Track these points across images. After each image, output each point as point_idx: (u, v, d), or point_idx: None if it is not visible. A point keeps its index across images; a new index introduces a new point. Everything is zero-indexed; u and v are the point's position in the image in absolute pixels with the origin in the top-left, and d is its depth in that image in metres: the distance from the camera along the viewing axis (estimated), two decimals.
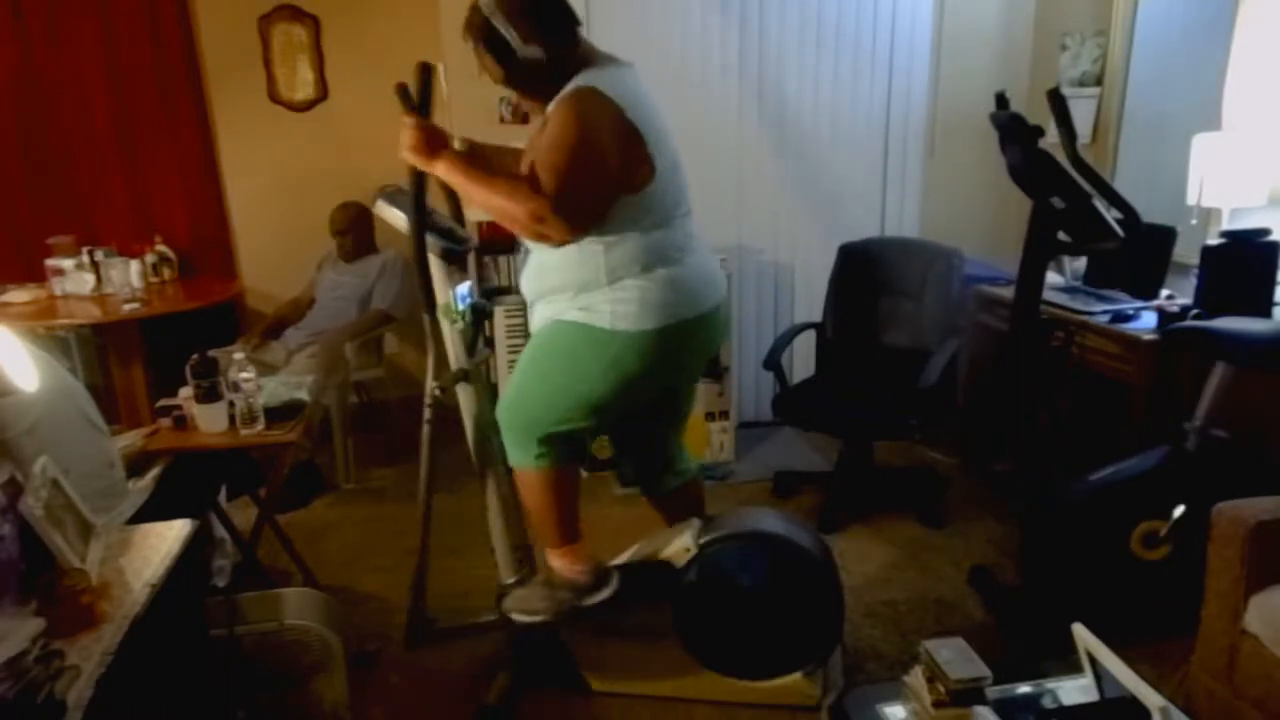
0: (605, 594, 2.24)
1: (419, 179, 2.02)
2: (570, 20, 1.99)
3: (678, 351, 2.08)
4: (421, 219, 2.07)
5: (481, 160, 2.03)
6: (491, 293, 3.66)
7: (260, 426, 2.53)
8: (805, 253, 4.14)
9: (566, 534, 2.24)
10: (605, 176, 1.88)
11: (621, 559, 2.42)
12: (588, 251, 1.96)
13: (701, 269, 2.08)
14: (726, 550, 2.27)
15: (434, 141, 1.95)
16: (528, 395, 2.13)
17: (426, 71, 1.96)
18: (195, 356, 2.50)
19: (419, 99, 1.95)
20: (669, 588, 2.28)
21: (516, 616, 2.28)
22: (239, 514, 2.86)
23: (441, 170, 1.95)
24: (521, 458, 2.17)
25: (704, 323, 2.08)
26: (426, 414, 2.24)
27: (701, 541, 2.26)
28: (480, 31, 1.95)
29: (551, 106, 1.94)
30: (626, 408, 2.17)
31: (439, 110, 2.58)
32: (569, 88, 1.90)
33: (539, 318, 2.15)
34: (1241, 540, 1.97)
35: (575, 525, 2.26)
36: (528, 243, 2.05)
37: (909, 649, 2.43)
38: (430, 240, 2.14)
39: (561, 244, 1.95)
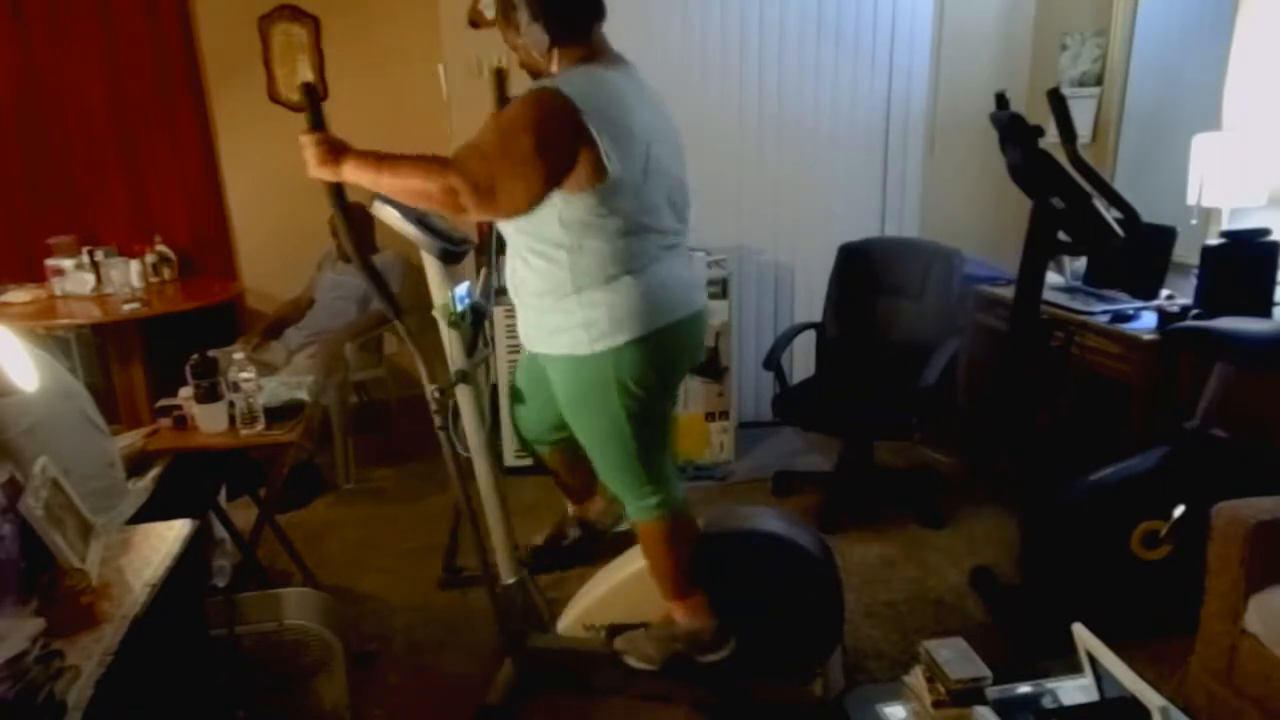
0: (722, 654, 2.20)
1: (336, 192, 2.01)
2: (587, 14, 1.96)
3: (664, 355, 2.04)
4: (352, 232, 2.08)
5: (394, 154, 2.01)
6: (491, 293, 3.65)
7: (260, 426, 2.53)
8: (805, 253, 4.14)
9: (687, 584, 2.19)
10: (532, 168, 1.84)
11: (622, 558, 2.41)
12: (554, 261, 1.94)
13: (669, 278, 2.02)
14: (726, 550, 2.26)
15: (334, 149, 1.93)
16: (604, 456, 2.12)
17: (311, 91, 1.97)
18: (195, 356, 2.50)
19: (311, 117, 1.95)
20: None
21: (629, 660, 2.25)
22: (239, 514, 2.86)
23: (350, 172, 1.93)
24: (644, 513, 2.14)
25: (677, 331, 2.03)
26: (436, 421, 2.23)
27: (701, 541, 2.26)
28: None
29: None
30: (664, 410, 2.16)
31: (439, 110, 2.57)
32: (537, 83, 1.90)
33: (525, 335, 2.15)
34: (1241, 540, 1.97)
35: (691, 575, 2.20)
36: (509, 248, 2.05)
37: (909, 649, 2.43)
38: (428, 241, 2.14)
39: (481, 220, 1.94)
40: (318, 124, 1.94)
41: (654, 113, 2.01)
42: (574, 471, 2.43)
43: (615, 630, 2.30)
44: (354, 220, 2.08)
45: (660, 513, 2.11)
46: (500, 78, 2.33)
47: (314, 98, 1.96)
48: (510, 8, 1.93)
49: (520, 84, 2.02)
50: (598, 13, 1.97)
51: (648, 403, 2.04)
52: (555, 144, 1.83)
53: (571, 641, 2.36)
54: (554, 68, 1.95)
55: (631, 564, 2.31)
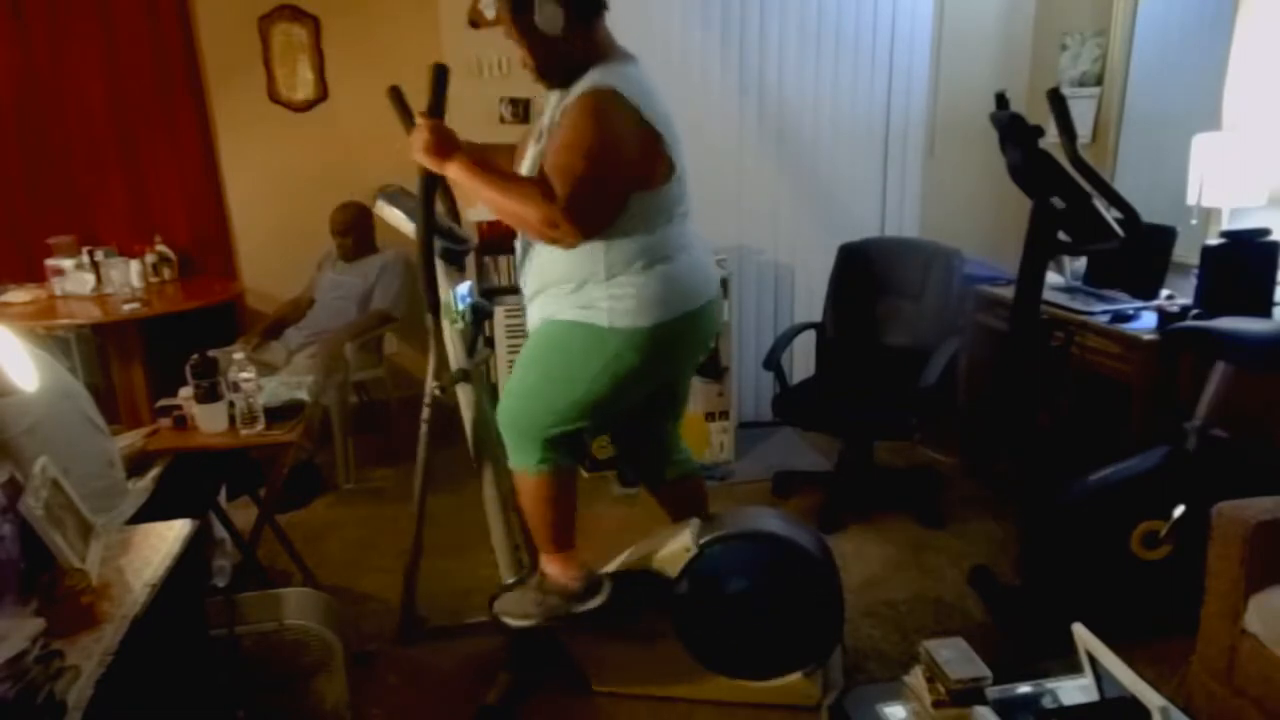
0: (596, 602, 2.22)
1: (430, 180, 2.00)
2: (598, 2, 1.97)
3: (674, 347, 2.08)
4: (430, 220, 2.06)
5: (490, 161, 2.03)
6: (491, 292, 3.66)
7: (260, 426, 2.52)
8: (805, 253, 4.14)
9: (561, 540, 2.23)
10: (620, 181, 1.88)
11: (621, 558, 2.42)
12: (588, 247, 1.95)
13: (697, 265, 2.08)
14: (726, 549, 2.27)
15: (447, 143, 1.93)
16: (529, 397, 2.12)
17: (441, 73, 1.94)
18: (195, 356, 2.50)
19: (433, 100, 1.93)
20: (668, 589, 2.28)
21: (506, 619, 2.26)
22: (239, 514, 2.86)
23: (453, 171, 1.94)
24: (523, 461, 2.16)
25: (699, 317, 2.08)
26: (425, 413, 2.24)
27: (701, 541, 2.26)
28: None
29: (568, 101, 1.93)
30: (625, 405, 2.18)
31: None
32: (585, 85, 1.89)
33: (536, 315, 2.15)
34: (1241, 540, 1.97)
35: (571, 532, 2.25)
36: (533, 241, 2.05)
37: (909, 649, 2.43)
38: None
39: (571, 247, 1.94)
40: (438, 110, 1.93)
41: (668, 103, 2.03)
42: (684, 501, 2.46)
43: (494, 595, 2.32)
44: (434, 216, 2.06)
45: (544, 466, 2.13)
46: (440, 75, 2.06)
47: (442, 82, 1.93)
48: (521, 7, 1.91)
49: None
50: (602, 6, 1.98)
51: (619, 390, 2.06)
52: (634, 153, 1.86)
53: (467, 616, 2.39)
54: (565, 67, 1.94)
55: (663, 542, 2.32)
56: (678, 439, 2.47)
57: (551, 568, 2.25)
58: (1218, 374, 2.47)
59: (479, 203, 2.04)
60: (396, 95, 1.97)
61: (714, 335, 2.25)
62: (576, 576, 2.24)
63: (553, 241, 1.92)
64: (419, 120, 1.94)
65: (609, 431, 2.51)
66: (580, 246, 1.96)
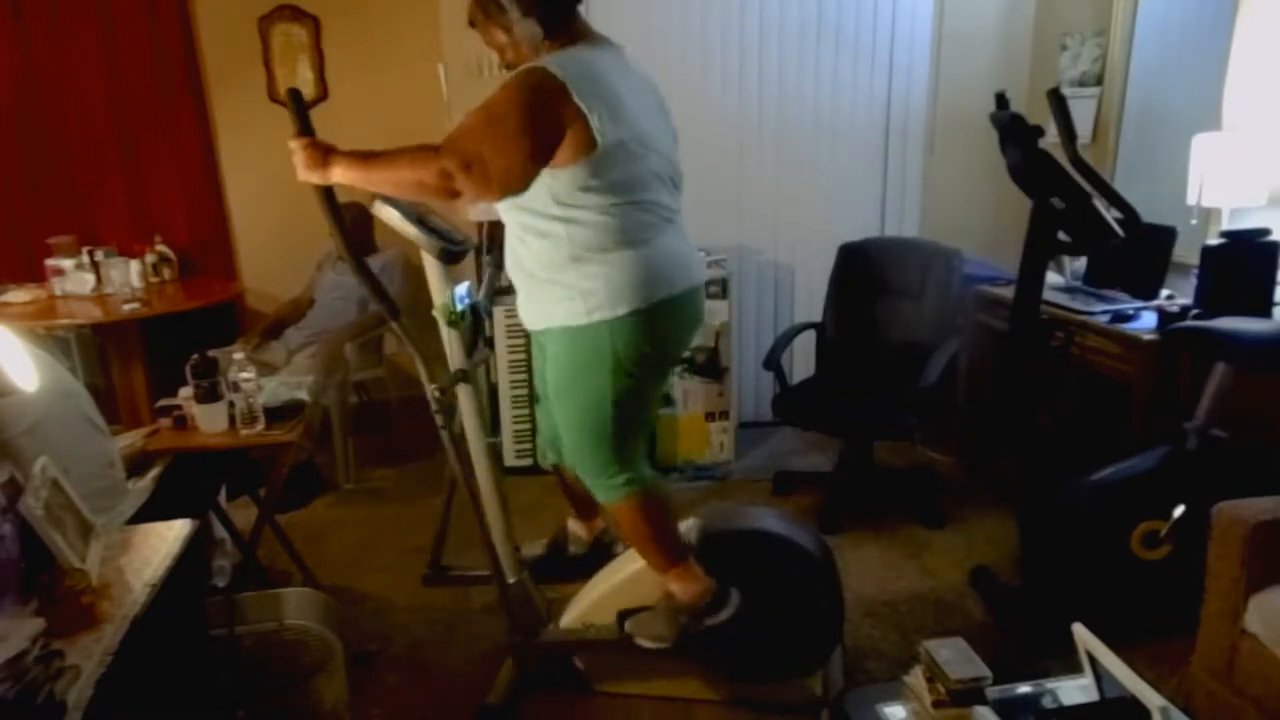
0: (727, 613, 2.18)
1: (327, 195, 2.01)
2: (570, 1, 1.99)
3: (662, 329, 2.05)
4: (344, 234, 2.06)
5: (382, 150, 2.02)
6: (491, 293, 3.65)
7: (260, 426, 2.53)
8: (805, 253, 4.14)
9: (672, 554, 2.19)
10: (522, 145, 1.85)
11: (621, 558, 2.41)
12: (548, 234, 1.96)
13: (668, 252, 2.04)
14: (726, 549, 2.26)
15: (321, 153, 1.95)
16: (579, 434, 2.11)
17: (297, 96, 1.97)
18: (195, 356, 2.50)
19: (299, 123, 1.95)
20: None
21: (641, 642, 2.24)
22: (239, 514, 2.86)
23: (339, 174, 1.94)
24: (610, 494, 2.14)
25: (675, 305, 2.04)
26: (438, 420, 2.23)
27: (701, 541, 2.26)
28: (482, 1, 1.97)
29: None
30: (654, 392, 2.18)
31: (439, 110, 2.57)
32: (522, 65, 1.91)
33: (525, 312, 2.16)
34: (1241, 540, 1.97)
35: (678, 542, 2.20)
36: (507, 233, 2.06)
37: (909, 649, 2.43)
38: (428, 241, 2.14)
39: (480, 200, 1.96)
40: (305, 129, 1.95)
41: (641, 90, 2.03)
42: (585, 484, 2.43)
43: (624, 615, 2.29)
44: (345, 223, 2.07)
45: (628, 490, 2.11)
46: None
47: (299, 103, 1.96)
48: (496, 10, 1.95)
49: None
50: (570, 5, 1.99)
51: (639, 379, 2.05)
52: (542, 117, 1.85)
53: (580, 634, 2.34)
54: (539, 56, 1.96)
55: (631, 563, 2.31)
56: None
57: (675, 584, 2.20)
58: (1218, 374, 2.47)
59: (382, 191, 2.03)
60: (296, 97, 1.98)
61: (696, 326, 2.22)
62: (704, 590, 2.19)
63: (452, 196, 1.90)
64: (290, 145, 1.96)
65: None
66: (541, 233, 1.96)
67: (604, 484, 2.13)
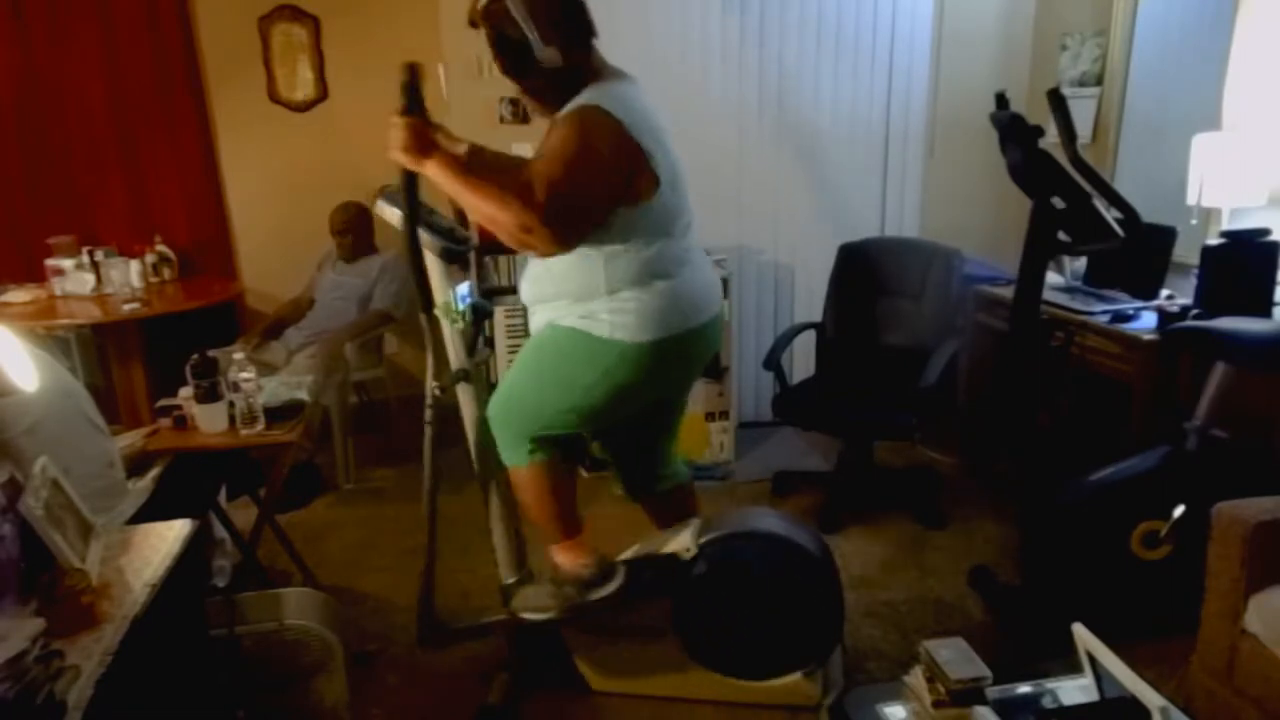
0: (611, 588, 2.23)
1: (409, 179, 1.99)
2: (589, 30, 1.99)
3: (672, 364, 2.08)
4: (414, 219, 2.06)
5: (478, 164, 2.02)
6: (491, 292, 3.65)
7: (260, 426, 2.52)
8: (805, 253, 4.14)
9: (567, 528, 2.25)
10: (600, 193, 1.87)
11: (621, 559, 2.41)
12: (587, 261, 1.96)
13: (700, 281, 2.08)
14: (726, 550, 2.26)
15: (423, 141, 1.91)
16: (520, 397, 2.13)
17: (413, 71, 1.92)
18: (195, 356, 2.50)
19: (408, 98, 1.91)
20: (668, 587, 2.28)
21: (525, 615, 2.27)
22: (239, 514, 2.86)
23: (431, 170, 1.92)
24: (513, 456, 2.18)
25: (700, 335, 2.08)
26: (427, 415, 2.24)
27: (701, 541, 2.26)
28: (498, 21, 1.92)
29: (558, 118, 1.94)
30: (617, 416, 2.19)
31: (439, 110, 2.57)
32: (574, 104, 1.90)
33: (537, 323, 2.16)
34: (1241, 540, 1.97)
35: (575, 519, 2.26)
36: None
37: (909, 649, 2.43)
38: (430, 240, 2.14)
39: (545, 255, 1.94)
40: (414, 108, 1.91)
41: (660, 116, 2.04)
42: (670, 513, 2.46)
43: (507, 593, 2.32)
44: (419, 214, 2.05)
45: (536, 457, 2.14)
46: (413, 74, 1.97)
47: (415, 80, 1.91)
48: (517, 52, 1.91)
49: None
50: (593, 29, 2.00)
51: (614, 401, 2.06)
52: (617, 166, 1.86)
53: (478, 616, 2.39)
54: (567, 91, 1.95)
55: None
56: (671, 455, 2.47)
57: (562, 557, 2.26)
58: (1218, 374, 2.47)
59: (460, 205, 2.02)
60: (413, 73, 1.92)
61: (714, 351, 2.24)
62: (589, 563, 2.25)
63: (524, 246, 1.90)
64: (394, 119, 1.92)
65: (601, 439, 2.51)
66: (579, 261, 1.96)
67: (516, 450, 2.16)
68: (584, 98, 1.90)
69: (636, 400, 2.14)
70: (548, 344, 2.10)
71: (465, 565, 2.97)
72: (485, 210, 1.89)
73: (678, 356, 2.07)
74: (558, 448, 2.18)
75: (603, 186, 1.88)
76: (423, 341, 2.23)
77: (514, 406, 2.15)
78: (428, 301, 2.17)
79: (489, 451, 2.33)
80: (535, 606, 2.27)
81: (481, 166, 2.01)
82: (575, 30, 1.95)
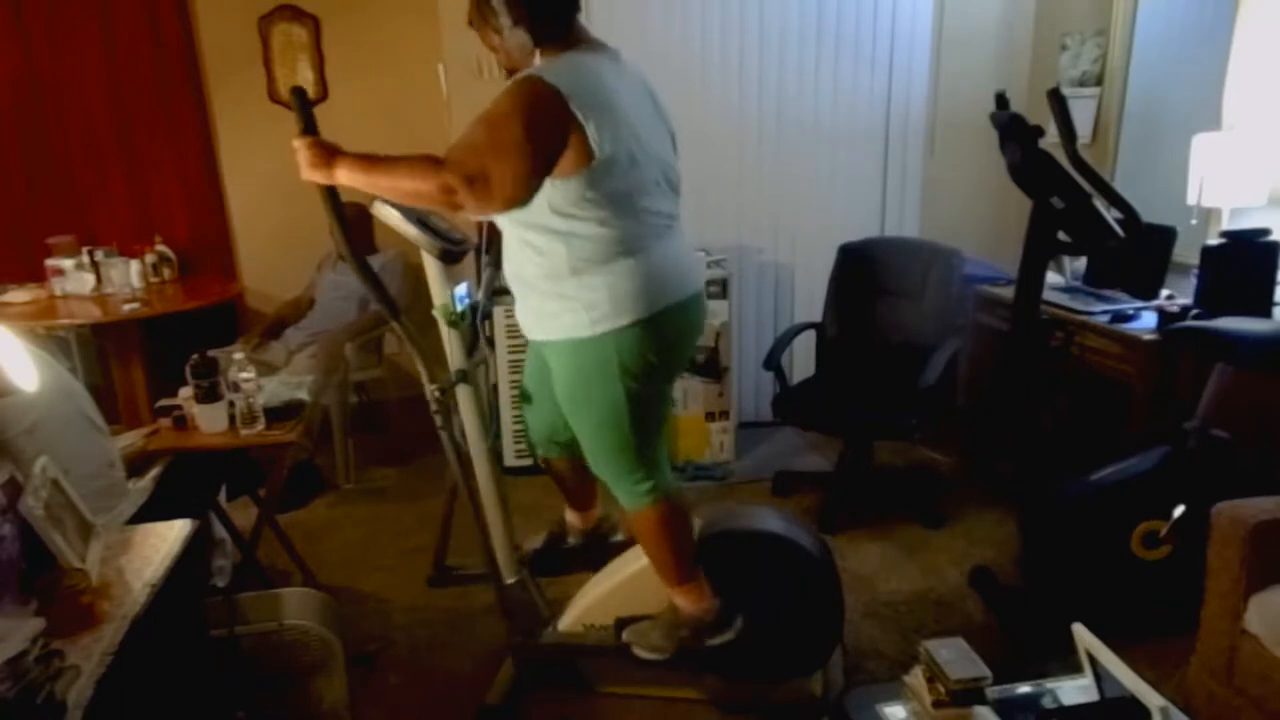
0: (729, 635, 2.19)
1: (330, 195, 2.01)
2: (565, 11, 1.98)
3: (667, 338, 2.05)
4: (347, 234, 2.06)
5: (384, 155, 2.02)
6: (492, 293, 3.65)
7: (260, 426, 2.53)
8: (805, 253, 4.14)
9: (686, 571, 2.18)
10: (524, 157, 1.85)
11: (621, 558, 2.41)
12: (548, 244, 1.96)
13: (669, 259, 2.04)
14: (726, 550, 2.26)
15: (326, 152, 1.94)
16: (598, 442, 2.11)
17: (301, 95, 1.98)
18: (195, 356, 2.50)
19: (303, 121, 1.95)
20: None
21: (638, 651, 2.24)
22: (239, 514, 2.86)
23: (343, 175, 1.94)
24: (632, 501, 2.13)
25: (679, 312, 2.05)
26: (437, 420, 2.23)
27: (701, 541, 2.26)
28: (478, 2, 1.98)
29: None
30: (665, 396, 2.16)
31: (439, 110, 2.57)
32: (518, 74, 1.91)
33: (525, 324, 2.16)
34: (1241, 540, 1.97)
35: (692, 560, 2.20)
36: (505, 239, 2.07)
37: (909, 649, 2.43)
38: (428, 241, 2.15)
39: (481, 215, 1.96)
40: (309, 128, 1.95)
41: (638, 95, 2.02)
42: (578, 477, 2.43)
43: (622, 623, 2.29)
44: (348, 222, 2.07)
45: (653, 499, 2.10)
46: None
47: (304, 102, 1.96)
48: (490, 13, 1.94)
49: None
50: (575, 5, 1.99)
51: (647, 386, 2.04)
52: (543, 129, 1.84)
53: (578, 638, 2.35)
54: (537, 63, 1.96)
55: (633, 563, 2.31)
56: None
57: (682, 600, 2.20)
58: (1218, 374, 2.47)
59: (383, 196, 2.04)
60: (300, 96, 1.99)
61: (698, 333, 2.22)
62: (710, 609, 2.19)
63: (455, 208, 1.89)
64: (294, 143, 1.95)
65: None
66: (541, 245, 1.96)
67: (628, 490, 2.12)
68: (533, 68, 1.91)
69: (662, 379, 2.11)
70: (564, 382, 2.09)
71: (464, 565, 2.96)
72: (406, 186, 1.90)
73: (667, 331, 2.04)
74: (665, 475, 2.15)
75: (523, 147, 1.84)
76: (423, 342, 2.23)
77: (602, 452, 2.12)
78: (393, 309, 2.17)
79: (486, 452, 2.33)
80: (651, 645, 2.23)
81: (379, 155, 2.00)
82: (547, 12, 1.94)
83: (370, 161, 1.92)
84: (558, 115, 1.83)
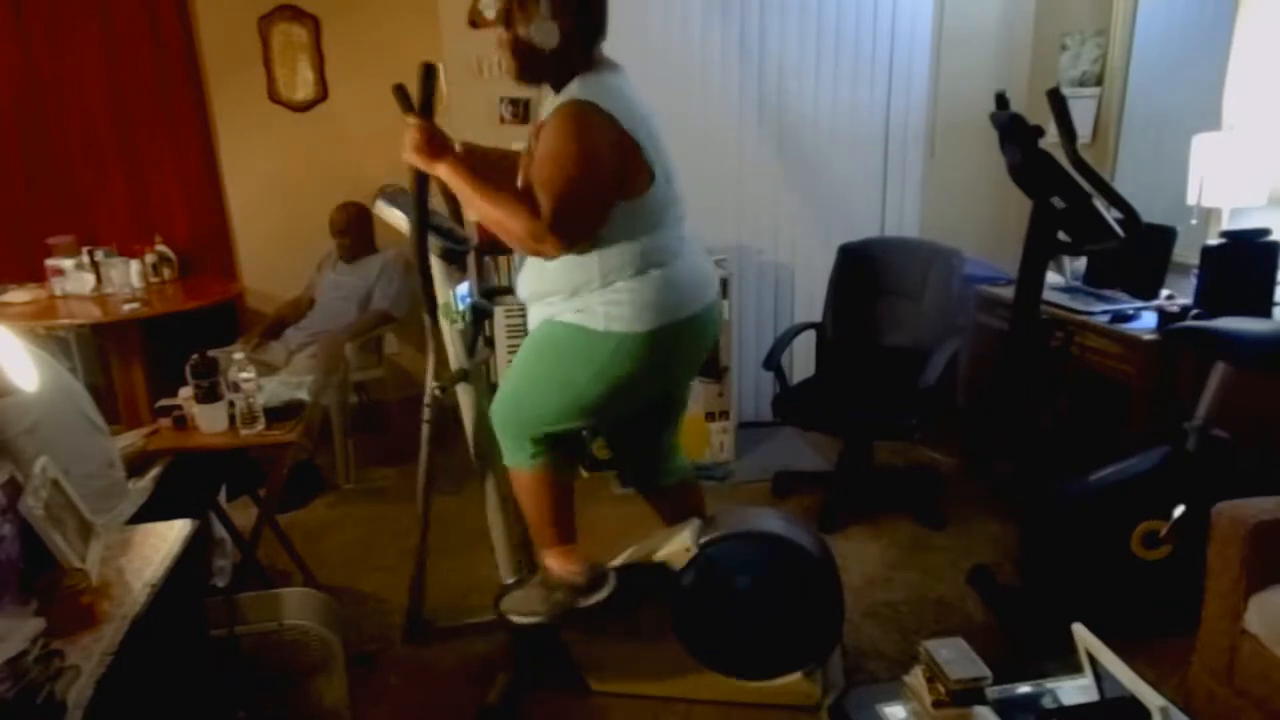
0: (601, 595, 2.23)
1: (421, 180, 2.01)
2: (598, 30, 1.99)
3: (670, 354, 2.08)
4: (424, 220, 2.07)
5: (484, 166, 2.03)
6: (491, 292, 3.66)
7: (260, 426, 2.52)
8: (805, 253, 4.14)
9: (562, 534, 2.25)
10: (602, 192, 1.89)
11: (621, 559, 2.42)
12: (581, 255, 1.96)
13: (693, 270, 2.08)
14: (726, 550, 2.27)
15: (437, 144, 1.94)
16: (522, 396, 2.14)
17: (430, 72, 1.93)
18: (195, 356, 2.50)
19: (421, 100, 1.93)
20: (668, 587, 2.28)
21: (513, 617, 2.28)
22: (239, 514, 2.86)
23: (443, 173, 1.95)
24: (516, 457, 2.18)
25: (696, 323, 2.08)
26: (426, 414, 2.24)
27: (701, 541, 2.26)
28: None
29: (547, 114, 1.95)
30: (621, 410, 2.18)
31: (438, 110, 2.57)
32: (564, 98, 1.90)
33: (534, 319, 2.16)
34: (1241, 540, 1.97)
35: (571, 526, 2.26)
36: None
37: (909, 649, 2.43)
38: (430, 240, 2.14)
39: (553, 258, 1.96)
40: (428, 110, 1.93)
41: (651, 109, 2.04)
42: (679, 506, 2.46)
43: (499, 595, 2.33)
44: (427, 218, 2.07)
45: (539, 462, 2.14)
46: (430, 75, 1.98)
47: (431, 82, 1.93)
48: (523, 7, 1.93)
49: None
50: (603, 31, 2.01)
51: (615, 393, 2.06)
52: (615, 164, 1.87)
53: (471, 616, 2.39)
54: (549, 75, 1.96)
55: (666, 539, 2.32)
56: (675, 447, 2.47)
57: (554, 562, 2.26)
58: (1218, 374, 2.47)
59: (468, 211, 2.05)
60: (402, 92, 1.97)
61: (712, 341, 2.24)
62: (580, 570, 2.25)
63: (535, 253, 1.93)
64: (409, 121, 1.94)
65: (605, 434, 2.51)
66: (572, 256, 1.96)
67: (519, 452, 2.16)
68: (575, 91, 1.90)
69: (638, 393, 2.13)
70: (544, 341, 2.10)
71: (464, 565, 2.97)
72: (495, 217, 1.91)
73: (675, 346, 2.07)
74: (562, 450, 2.18)
75: (604, 186, 1.88)
76: (423, 342, 2.23)
77: (515, 406, 2.15)
78: (433, 303, 2.17)
79: (489, 452, 2.33)
80: (524, 610, 2.27)
81: (485, 166, 2.01)
82: (586, 21, 1.95)
83: (475, 178, 1.93)
84: (619, 142, 1.87)
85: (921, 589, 2.90)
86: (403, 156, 1.97)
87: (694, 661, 2.31)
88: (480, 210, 1.94)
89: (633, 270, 1.96)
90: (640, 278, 1.97)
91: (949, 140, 4.11)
